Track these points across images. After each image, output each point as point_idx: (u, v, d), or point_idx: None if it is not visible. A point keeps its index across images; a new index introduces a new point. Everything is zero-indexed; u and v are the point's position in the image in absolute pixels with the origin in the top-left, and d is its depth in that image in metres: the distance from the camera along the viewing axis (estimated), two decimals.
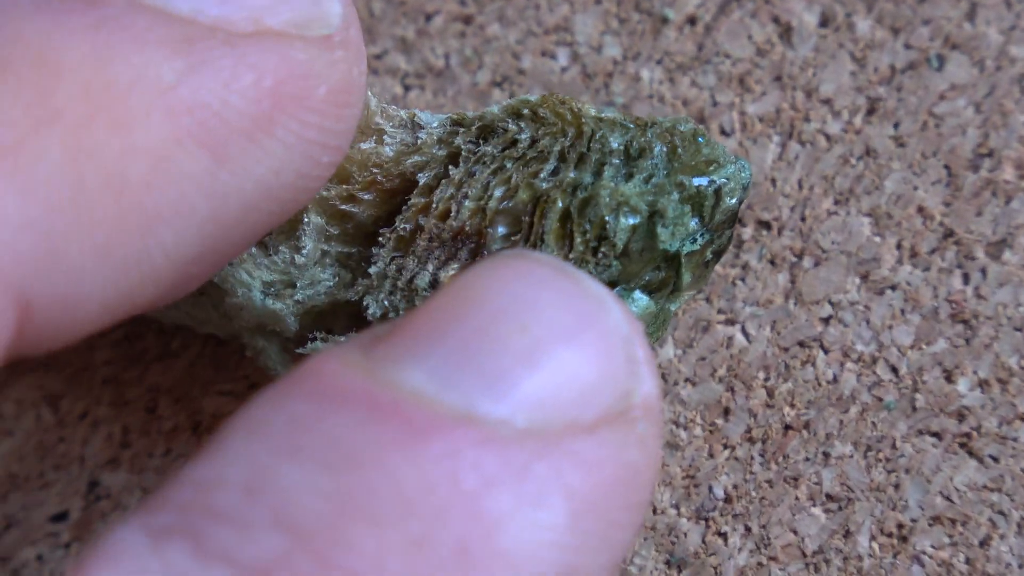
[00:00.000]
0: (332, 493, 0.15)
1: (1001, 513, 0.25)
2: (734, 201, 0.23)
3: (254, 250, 0.24)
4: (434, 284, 0.23)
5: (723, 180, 0.23)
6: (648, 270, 0.23)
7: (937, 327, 0.26)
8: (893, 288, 0.27)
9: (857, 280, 0.27)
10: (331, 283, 0.24)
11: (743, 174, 0.23)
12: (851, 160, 0.27)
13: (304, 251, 0.24)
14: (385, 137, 0.24)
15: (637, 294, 0.23)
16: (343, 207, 0.24)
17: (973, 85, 0.27)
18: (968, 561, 0.25)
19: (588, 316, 0.17)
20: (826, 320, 0.27)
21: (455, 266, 0.23)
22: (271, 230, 0.23)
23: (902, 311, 0.27)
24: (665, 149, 0.23)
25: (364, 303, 0.23)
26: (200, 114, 0.19)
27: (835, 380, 0.26)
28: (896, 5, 0.28)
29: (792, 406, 0.26)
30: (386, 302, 0.23)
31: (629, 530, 0.18)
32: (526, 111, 0.24)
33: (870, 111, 0.28)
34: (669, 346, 0.27)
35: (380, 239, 0.24)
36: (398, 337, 0.17)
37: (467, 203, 0.23)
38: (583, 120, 0.23)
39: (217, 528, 0.15)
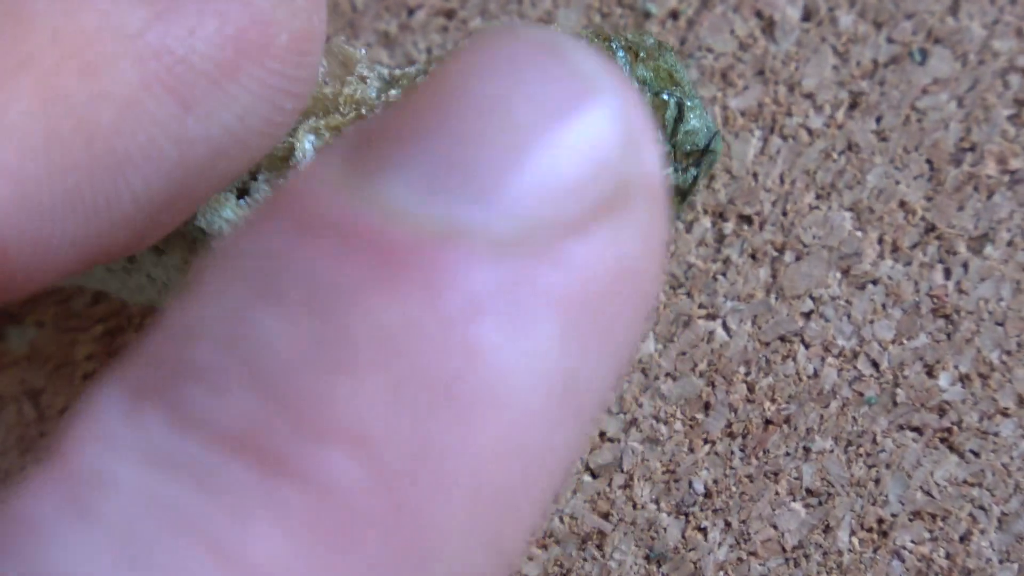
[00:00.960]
0: (308, 341, 0.14)
1: (982, 508, 0.25)
2: (698, 126, 0.23)
3: (235, 197, 0.24)
4: None
5: (688, 102, 0.23)
6: None
7: (918, 322, 0.26)
8: (874, 283, 0.27)
9: (838, 275, 0.27)
10: None
11: (707, 115, 0.24)
12: (833, 154, 0.27)
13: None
14: (368, 80, 0.24)
15: None
16: (331, 138, 0.24)
17: (956, 79, 0.27)
18: (948, 556, 0.25)
19: (577, 97, 0.16)
20: (807, 315, 0.27)
21: None
22: (238, 176, 0.23)
23: (883, 306, 0.26)
24: (626, 56, 0.23)
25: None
26: (166, 60, 0.19)
27: (816, 375, 0.26)
28: None
29: (773, 401, 0.26)
30: None
31: (631, 332, 0.16)
32: None
33: (852, 105, 0.28)
34: (650, 340, 0.27)
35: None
36: (379, 142, 0.16)
37: None
38: None
39: (193, 389, 0.14)
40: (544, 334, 0.15)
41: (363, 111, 0.24)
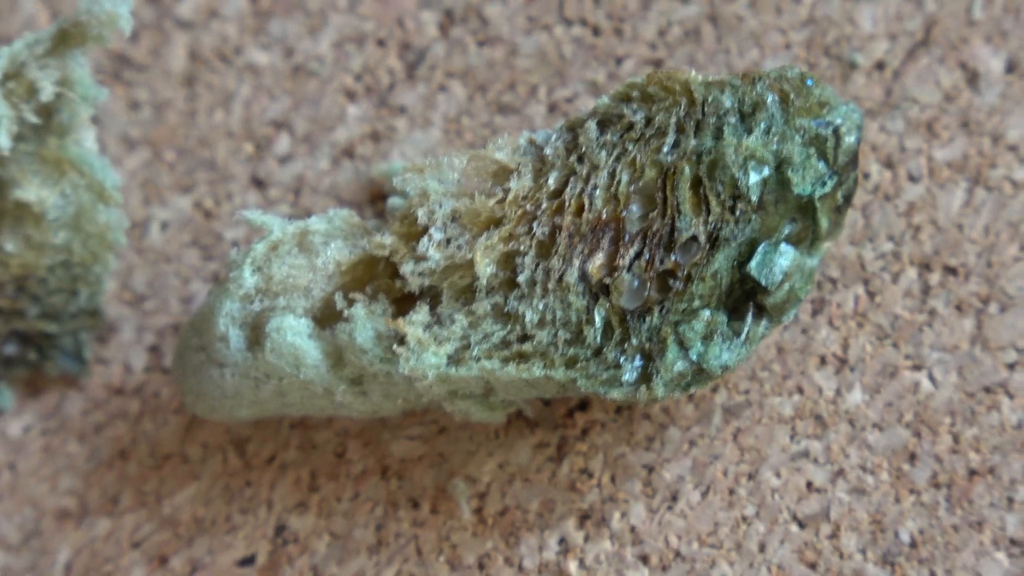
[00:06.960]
0: None
1: None
2: (853, 139, 0.24)
3: (435, 328, 0.24)
4: (583, 277, 0.23)
5: (839, 120, 0.24)
6: (785, 223, 0.24)
7: None
8: None
9: None
10: (503, 331, 0.24)
11: (855, 115, 0.24)
12: None
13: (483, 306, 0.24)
14: (519, 169, 0.24)
15: (784, 247, 0.24)
16: (506, 248, 0.24)
17: None
18: None
19: None
20: (1011, 366, 0.27)
21: (600, 256, 0.23)
22: None
23: None
24: (777, 98, 0.24)
25: (520, 312, 0.23)
26: None
27: (1020, 426, 0.27)
28: None
29: (977, 451, 0.26)
30: (541, 306, 0.23)
31: None
32: (635, 93, 0.24)
33: None
34: (856, 391, 0.27)
35: (520, 248, 0.24)
36: None
37: (598, 192, 0.24)
38: (692, 88, 0.24)
39: None
40: None
41: (527, 207, 0.24)
